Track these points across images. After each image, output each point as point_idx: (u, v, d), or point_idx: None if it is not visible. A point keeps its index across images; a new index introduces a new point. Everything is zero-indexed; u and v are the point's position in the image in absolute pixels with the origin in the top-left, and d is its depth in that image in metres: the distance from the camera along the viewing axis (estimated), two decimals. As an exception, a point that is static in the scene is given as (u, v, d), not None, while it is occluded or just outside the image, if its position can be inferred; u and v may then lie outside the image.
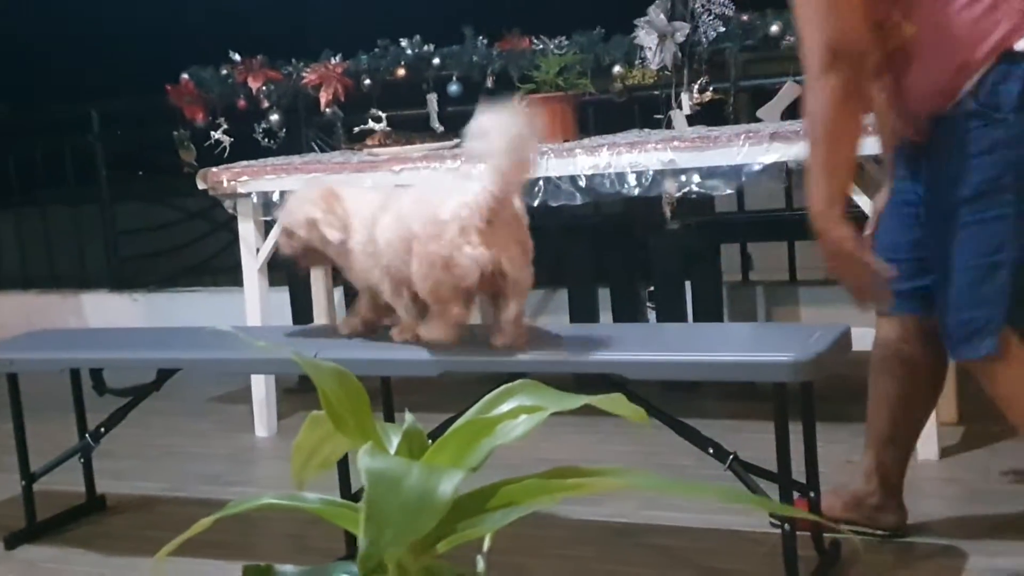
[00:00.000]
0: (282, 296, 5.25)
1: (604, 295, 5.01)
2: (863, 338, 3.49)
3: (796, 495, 2.90)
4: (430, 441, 1.16)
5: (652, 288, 4.87)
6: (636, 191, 3.90)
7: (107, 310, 6.61)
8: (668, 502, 3.45)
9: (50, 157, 7.10)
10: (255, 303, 4.56)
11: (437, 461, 1.10)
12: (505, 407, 1.18)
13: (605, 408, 1.23)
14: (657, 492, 0.95)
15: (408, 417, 1.19)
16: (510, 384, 1.22)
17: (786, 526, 2.74)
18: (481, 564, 1.25)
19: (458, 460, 1.09)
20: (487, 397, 1.22)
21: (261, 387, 4.60)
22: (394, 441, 1.17)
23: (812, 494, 2.91)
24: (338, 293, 5.05)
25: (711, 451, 2.90)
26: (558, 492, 1.10)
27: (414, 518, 0.98)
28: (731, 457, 2.86)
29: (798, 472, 2.86)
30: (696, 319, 4.69)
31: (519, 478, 1.12)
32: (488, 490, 1.12)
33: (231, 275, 5.55)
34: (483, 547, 1.27)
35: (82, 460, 3.79)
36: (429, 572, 1.08)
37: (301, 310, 5.20)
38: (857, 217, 3.87)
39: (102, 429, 3.67)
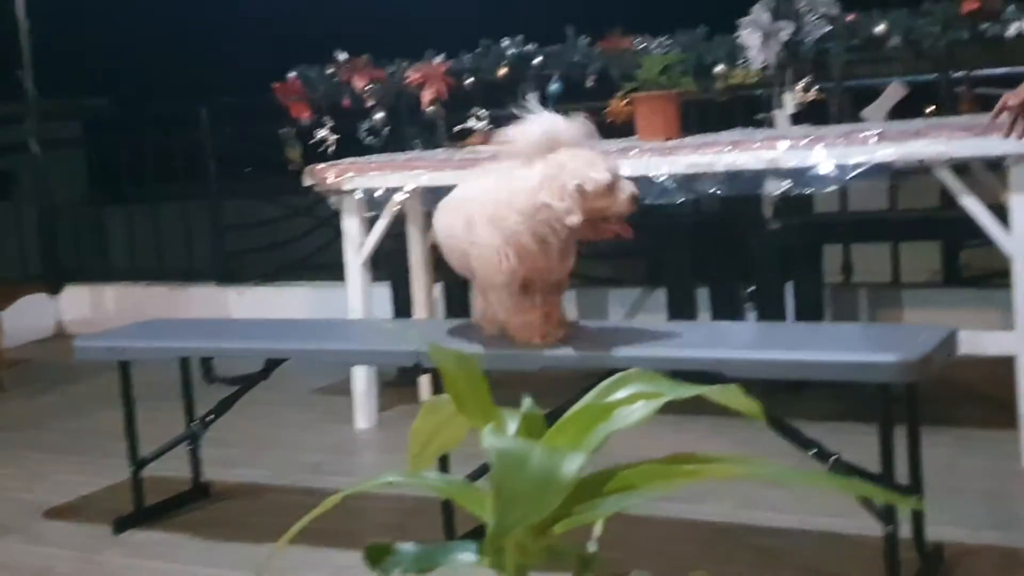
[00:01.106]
0: (383, 291, 5.32)
1: (703, 294, 5.00)
2: (969, 341, 3.45)
3: None
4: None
5: (752, 288, 4.84)
6: (738, 190, 3.89)
7: (213, 303, 6.76)
8: (767, 502, 3.44)
9: (160, 153, 7.27)
10: (357, 297, 4.64)
11: (556, 444, 1.13)
12: (620, 394, 1.20)
13: (719, 400, 1.25)
14: (775, 481, 0.94)
15: (526, 401, 1.21)
16: (624, 372, 1.24)
17: (889, 528, 2.73)
18: (593, 548, 1.27)
19: (576, 444, 1.11)
20: (602, 385, 1.24)
21: (362, 380, 4.68)
22: (511, 426, 1.20)
23: (916, 497, 2.88)
24: (437, 288, 5.10)
25: (813, 452, 2.88)
26: (676, 478, 1.12)
27: (541, 496, 1.00)
28: (834, 458, 2.84)
29: (900, 475, 2.83)
30: (797, 320, 4.65)
31: (636, 463, 1.14)
32: (604, 474, 1.14)
33: (332, 271, 5.64)
34: (594, 532, 1.29)
35: (190, 447, 3.89)
36: (550, 551, 1.10)
37: (401, 305, 5.26)
38: (950, 221, 3.83)
39: (210, 417, 3.77)
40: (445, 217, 3.11)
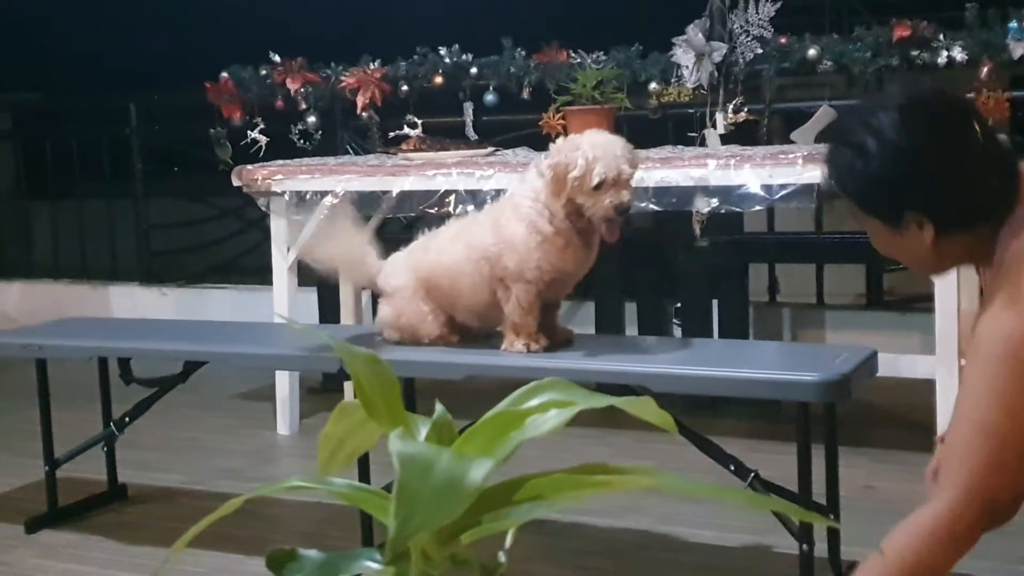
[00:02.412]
0: (310, 296, 5.28)
1: (631, 309, 5.02)
2: (889, 363, 3.50)
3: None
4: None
5: (678, 304, 4.87)
6: (666, 206, 3.91)
7: (135, 303, 6.66)
8: (686, 518, 3.45)
9: (87, 149, 7.15)
10: (283, 301, 4.60)
11: (465, 451, 1.11)
12: (534, 402, 1.19)
13: (632, 411, 1.24)
14: (688, 494, 0.93)
15: (438, 408, 1.20)
16: (539, 381, 1.23)
17: (805, 546, 2.75)
18: (503, 559, 1.26)
19: (487, 451, 1.10)
20: (516, 393, 1.23)
21: (285, 385, 4.63)
22: (422, 432, 1.18)
23: (832, 516, 2.90)
24: (366, 295, 5.06)
25: (732, 468, 2.90)
26: (586, 488, 1.10)
27: (444, 502, 0.99)
28: (752, 475, 2.86)
29: (818, 495, 2.86)
30: (722, 338, 4.68)
31: (546, 472, 1.13)
32: (514, 483, 1.12)
33: (260, 275, 5.58)
34: (505, 543, 1.28)
35: (105, 449, 3.83)
36: (454, 560, 1.09)
37: (328, 310, 5.22)
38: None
39: (127, 419, 3.71)
40: (452, 244, 3.12)
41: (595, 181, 2.84)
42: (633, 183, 2.96)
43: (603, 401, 1.17)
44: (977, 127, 1.93)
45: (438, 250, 3.13)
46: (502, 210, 3.05)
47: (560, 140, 3.04)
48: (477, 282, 3.04)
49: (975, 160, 1.92)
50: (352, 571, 1.14)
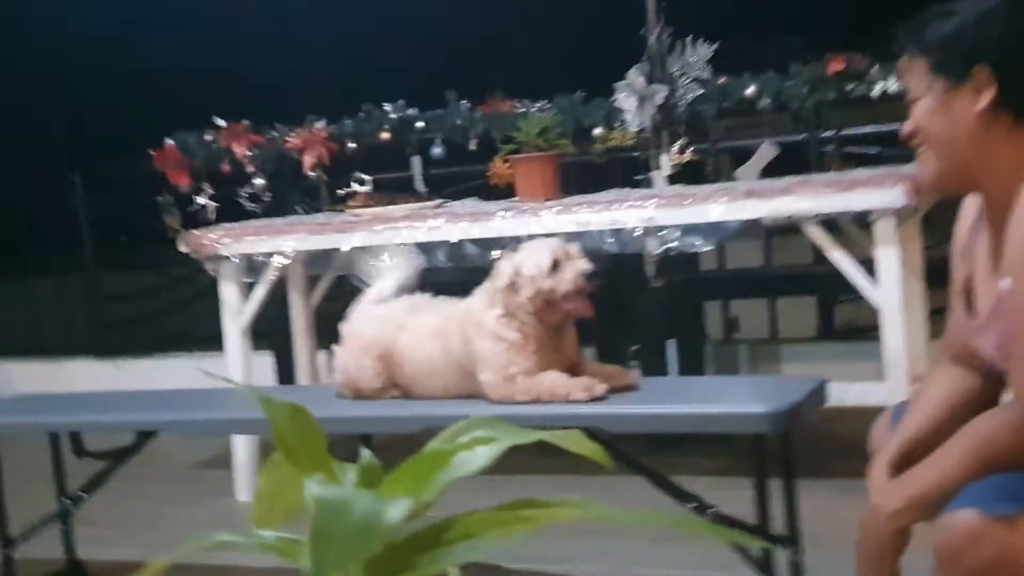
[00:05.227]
0: (265, 360, 5.24)
1: (588, 353, 5.00)
2: (843, 392, 3.52)
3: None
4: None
5: (636, 346, 4.87)
6: (616, 248, 3.92)
7: (91, 377, 6.58)
8: (653, 559, 3.43)
9: (34, 223, 7.09)
10: (237, 366, 4.56)
11: (393, 493, 1.10)
12: (463, 440, 1.18)
13: (563, 445, 1.23)
14: (614, 523, 0.92)
15: (364, 453, 1.18)
16: (469, 419, 1.22)
17: (766, 579, 2.73)
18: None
19: (414, 492, 1.08)
20: (444, 432, 1.21)
21: (243, 450, 4.57)
22: (350, 478, 1.17)
23: (794, 547, 2.88)
24: (322, 356, 5.03)
25: (692, 505, 2.88)
26: (515, 524, 1.09)
27: (359, 541, 0.97)
28: (712, 511, 2.85)
29: (780, 527, 2.84)
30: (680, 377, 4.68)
31: (475, 511, 1.11)
32: (442, 524, 1.11)
33: (216, 342, 5.52)
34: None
35: (62, 526, 3.75)
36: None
37: (285, 373, 5.18)
38: (826, 277, 3.91)
39: (82, 494, 3.64)
40: (431, 342, 3.10)
41: (548, 261, 2.90)
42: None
43: (530, 436, 1.16)
44: None
45: (414, 342, 3.11)
46: (467, 326, 3.04)
47: (499, 261, 3.04)
48: (450, 384, 3.07)
49: None
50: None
